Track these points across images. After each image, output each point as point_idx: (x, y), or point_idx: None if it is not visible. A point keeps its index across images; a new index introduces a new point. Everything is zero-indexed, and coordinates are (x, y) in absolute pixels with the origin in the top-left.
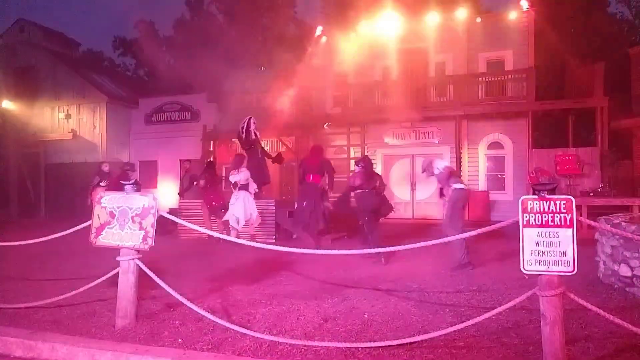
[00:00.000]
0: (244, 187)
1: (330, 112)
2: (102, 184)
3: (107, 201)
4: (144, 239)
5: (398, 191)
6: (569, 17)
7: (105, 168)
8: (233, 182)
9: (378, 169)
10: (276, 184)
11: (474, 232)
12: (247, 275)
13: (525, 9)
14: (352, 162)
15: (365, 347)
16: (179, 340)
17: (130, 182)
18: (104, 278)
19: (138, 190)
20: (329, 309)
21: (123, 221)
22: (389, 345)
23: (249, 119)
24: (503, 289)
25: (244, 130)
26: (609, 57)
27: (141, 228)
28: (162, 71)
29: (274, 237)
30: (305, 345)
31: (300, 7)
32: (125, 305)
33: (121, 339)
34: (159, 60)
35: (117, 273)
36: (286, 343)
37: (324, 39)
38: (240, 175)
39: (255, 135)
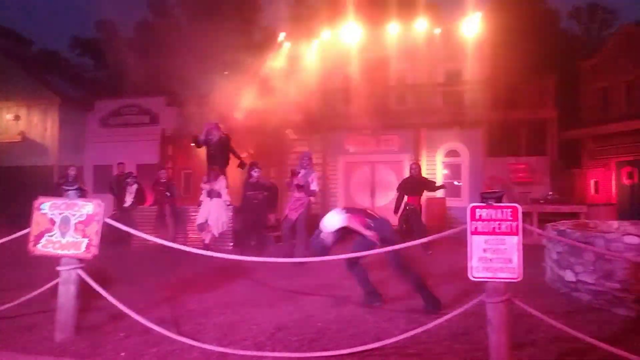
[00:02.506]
0: (219, 195)
1: (292, 119)
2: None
3: (47, 207)
4: (88, 247)
5: (358, 198)
6: (522, 31)
7: (72, 172)
8: (210, 189)
9: (339, 175)
10: (236, 190)
11: (424, 240)
12: (201, 284)
13: (480, 22)
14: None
15: (316, 357)
16: (122, 353)
17: (73, 187)
18: (43, 289)
19: (82, 196)
20: (284, 318)
21: (65, 228)
22: (341, 355)
23: (211, 123)
24: (456, 295)
25: (205, 134)
26: (559, 70)
27: (84, 236)
28: (122, 73)
29: (231, 244)
30: (255, 356)
31: (265, 13)
32: (66, 317)
33: (60, 353)
34: (119, 61)
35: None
36: (235, 354)
37: (287, 45)
38: (220, 184)
39: (209, 139)
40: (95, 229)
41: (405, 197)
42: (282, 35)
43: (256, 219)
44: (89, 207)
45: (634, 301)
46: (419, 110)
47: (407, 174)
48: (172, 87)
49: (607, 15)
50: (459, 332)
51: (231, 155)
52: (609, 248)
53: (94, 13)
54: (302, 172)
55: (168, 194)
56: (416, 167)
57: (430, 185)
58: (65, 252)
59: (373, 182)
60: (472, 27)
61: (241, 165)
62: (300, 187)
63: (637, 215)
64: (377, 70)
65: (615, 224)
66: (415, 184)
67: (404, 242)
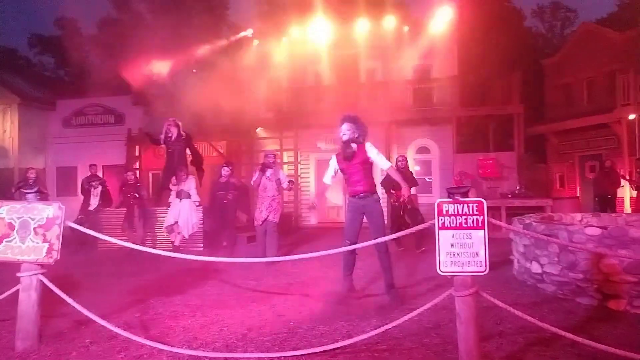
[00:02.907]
0: (187, 195)
1: (263, 117)
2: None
3: (5, 212)
4: (49, 252)
5: (331, 195)
6: (489, 29)
7: (31, 174)
8: (179, 190)
9: (311, 173)
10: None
11: (394, 236)
12: (171, 287)
13: (448, 20)
14: (286, 167)
15: (288, 357)
16: None
17: (32, 190)
18: (2, 296)
19: (42, 199)
20: (255, 318)
21: (24, 233)
22: (312, 353)
23: (170, 120)
24: (426, 289)
25: (164, 132)
26: (524, 67)
27: (45, 240)
28: (85, 71)
29: (201, 245)
30: (226, 358)
31: (233, 9)
32: (27, 325)
33: None
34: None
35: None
36: (206, 357)
37: (255, 42)
38: (189, 184)
39: (168, 137)
40: (56, 232)
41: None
42: (250, 31)
43: (226, 219)
44: (49, 211)
45: (596, 290)
46: (389, 108)
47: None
48: (138, 85)
49: (569, 13)
50: (430, 327)
51: (192, 154)
52: (572, 240)
53: (54, 10)
54: (269, 171)
55: (137, 195)
56: (403, 159)
57: (413, 181)
58: (25, 257)
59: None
60: (440, 25)
61: (197, 162)
62: (275, 183)
63: (599, 208)
64: (347, 67)
65: (578, 216)
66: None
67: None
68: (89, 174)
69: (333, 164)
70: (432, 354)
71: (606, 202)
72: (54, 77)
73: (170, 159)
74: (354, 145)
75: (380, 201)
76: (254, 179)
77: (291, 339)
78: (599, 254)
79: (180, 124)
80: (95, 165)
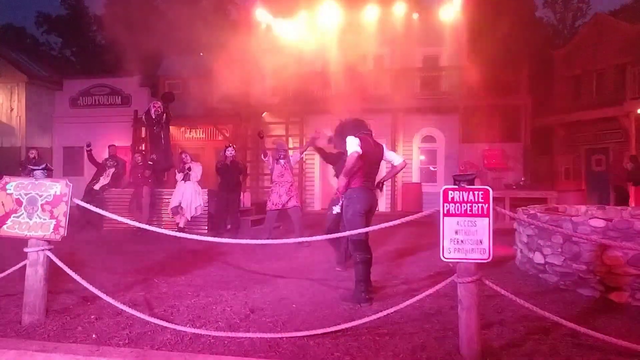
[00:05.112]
0: (189, 178)
1: (269, 102)
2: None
3: (13, 187)
4: (56, 228)
5: (335, 182)
6: (499, 18)
7: (32, 154)
8: (185, 173)
9: (316, 159)
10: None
11: (397, 222)
12: (175, 267)
13: (458, 8)
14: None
15: (290, 337)
16: (94, 335)
17: (40, 167)
18: (9, 271)
19: (49, 176)
20: (258, 300)
21: (32, 209)
22: (314, 335)
23: (152, 102)
24: (429, 276)
25: (147, 113)
26: (533, 58)
27: (52, 217)
28: (92, 52)
29: (206, 228)
30: (228, 337)
31: None
32: (34, 299)
33: (27, 336)
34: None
35: (26, 266)
36: (209, 335)
37: (263, 26)
38: (196, 168)
39: (159, 118)
40: (63, 210)
41: None
42: (258, 15)
43: (231, 202)
44: (56, 187)
45: (598, 282)
46: (397, 95)
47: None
48: (145, 67)
49: (581, 4)
50: (431, 313)
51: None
52: (576, 231)
53: None
54: (282, 162)
55: (148, 171)
56: None
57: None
58: (32, 233)
59: None
60: (450, 13)
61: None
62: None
63: (605, 201)
64: (354, 53)
65: (583, 208)
66: None
67: None
68: (110, 154)
69: (357, 142)
70: (433, 339)
71: (622, 194)
72: (60, 56)
73: (153, 140)
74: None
75: None
76: (269, 167)
77: (293, 321)
78: (603, 245)
79: (161, 104)
80: (114, 145)
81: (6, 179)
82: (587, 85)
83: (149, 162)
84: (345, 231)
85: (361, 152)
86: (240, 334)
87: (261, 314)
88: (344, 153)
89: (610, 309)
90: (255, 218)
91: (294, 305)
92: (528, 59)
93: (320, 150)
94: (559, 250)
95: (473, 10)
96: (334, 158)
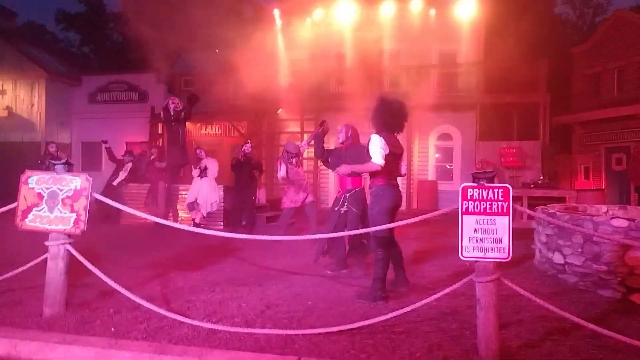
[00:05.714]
0: (206, 174)
1: (284, 98)
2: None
3: (34, 182)
4: (76, 222)
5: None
6: (518, 14)
7: (52, 149)
8: (202, 169)
9: None
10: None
11: (416, 219)
12: (191, 262)
13: (475, 4)
14: None
15: (306, 334)
16: (112, 329)
17: (61, 162)
18: (31, 264)
19: (69, 170)
20: (273, 296)
21: (53, 203)
22: (330, 332)
23: (170, 98)
24: (445, 275)
25: (165, 109)
26: (552, 55)
27: (72, 211)
28: (109, 48)
29: (221, 224)
30: (244, 333)
31: None
32: (54, 292)
33: (48, 328)
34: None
35: (46, 259)
36: (225, 331)
37: (279, 24)
38: (212, 164)
39: (177, 115)
40: (83, 204)
41: None
42: (275, 12)
43: (246, 198)
44: (77, 182)
45: (619, 283)
46: (412, 92)
47: None
48: (162, 63)
49: (602, 0)
50: (447, 312)
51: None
52: (597, 231)
53: None
54: (294, 161)
55: (164, 164)
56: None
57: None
58: (53, 227)
59: None
60: (467, 9)
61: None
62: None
63: (625, 201)
64: (370, 50)
65: (603, 207)
66: None
67: None
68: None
69: (382, 148)
70: (449, 338)
71: None
72: (79, 53)
73: (171, 136)
74: None
75: None
76: (281, 173)
77: (308, 317)
78: (626, 246)
79: (176, 101)
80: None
81: (28, 173)
82: (607, 82)
83: (151, 157)
84: (366, 228)
85: (383, 164)
86: (256, 330)
87: (276, 310)
88: (355, 147)
89: (632, 310)
90: (270, 215)
91: (309, 302)
92: (547, 56)
93: (321, 150)
94: (579, 250)
95: (490, 7)
96: (334, 158)
